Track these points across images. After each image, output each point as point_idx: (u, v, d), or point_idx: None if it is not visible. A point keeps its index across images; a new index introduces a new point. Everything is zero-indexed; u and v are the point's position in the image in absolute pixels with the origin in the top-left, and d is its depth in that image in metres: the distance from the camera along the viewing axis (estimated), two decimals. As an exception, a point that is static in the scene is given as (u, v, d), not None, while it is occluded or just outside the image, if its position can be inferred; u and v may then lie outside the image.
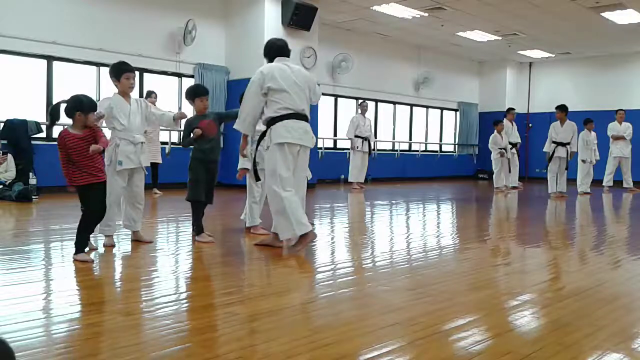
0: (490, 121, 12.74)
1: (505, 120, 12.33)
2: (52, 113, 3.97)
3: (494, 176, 12.02)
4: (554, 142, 10.59)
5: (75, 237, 4.02)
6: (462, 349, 2.41)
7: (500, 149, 11.81)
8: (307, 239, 4.49)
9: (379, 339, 2.50)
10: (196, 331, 2.59)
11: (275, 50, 4.73)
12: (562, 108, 10.65)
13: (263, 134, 4.60)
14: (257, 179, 4.98)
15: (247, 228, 5.45)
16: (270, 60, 4.70)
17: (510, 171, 11.99)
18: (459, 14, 11.45)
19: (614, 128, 12.50)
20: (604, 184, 12.50)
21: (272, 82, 4.47)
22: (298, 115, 4.52)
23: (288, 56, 4.75)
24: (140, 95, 9.42)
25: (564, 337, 2.55)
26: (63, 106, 3.98)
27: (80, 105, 3.95)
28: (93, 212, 4.03)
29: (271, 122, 4.50)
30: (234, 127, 4.69)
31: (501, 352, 2.34)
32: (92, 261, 4.05)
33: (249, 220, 5.44)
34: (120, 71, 4.57)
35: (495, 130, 11.87)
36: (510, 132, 12.38)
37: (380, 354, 2.29)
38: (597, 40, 13.61)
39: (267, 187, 4.59)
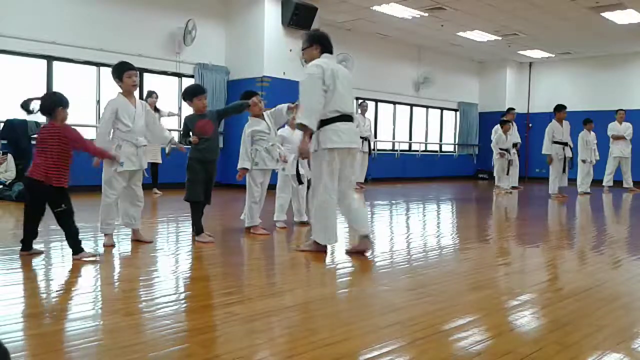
0: (490, 121, 12.72)
1: (506, 121, 12.30)
2: (25, 107, 3.97)
3: (494, 175, 11.98)
4: (556, 142, 10.55)
5: (72, 239, 4.03)
6: (462, 349, 2.41)
7: (502, 150, 11.74)
8: (325, 250, 4.45)
9: (379, 339, 2.50)
10: (196, 331, 2.59)
11: (328, 44, 4.50)
12: (564, 108, 10.62)
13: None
14: (300, 182, 4.93)
15: (247, 228, 5.45)
16: (320, 51, 4.45)
17: (508, 172, 11.87)
18: (459, 14, 11.45)
19: (614, 128, 12.49)
20: (604, 184, 12.49)
21: (330, 80, 4.24)
22: (347, 117, 4.32)
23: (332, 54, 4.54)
24: (141, 96, 9.42)
25: (564, 337, 2.55)
26: (35, 103, 3.97)
27: (61, 101, 4.02)
28: (71, 211, 4.09)
29: (319, 124, 4.26)
30: (299, 121, 4.21)
31: (501, 352, 2.34)
32: (98, 258, 4.06)
33: (248, 220, 5.44)
34: (121, 70, 4.58)
35: (501, 130, 11.66)
36: (511, 133, 12.34)
37: (380, 354, 2.29)
38: (597, 40, 13.61)
39: (313, 192, 4.44)
